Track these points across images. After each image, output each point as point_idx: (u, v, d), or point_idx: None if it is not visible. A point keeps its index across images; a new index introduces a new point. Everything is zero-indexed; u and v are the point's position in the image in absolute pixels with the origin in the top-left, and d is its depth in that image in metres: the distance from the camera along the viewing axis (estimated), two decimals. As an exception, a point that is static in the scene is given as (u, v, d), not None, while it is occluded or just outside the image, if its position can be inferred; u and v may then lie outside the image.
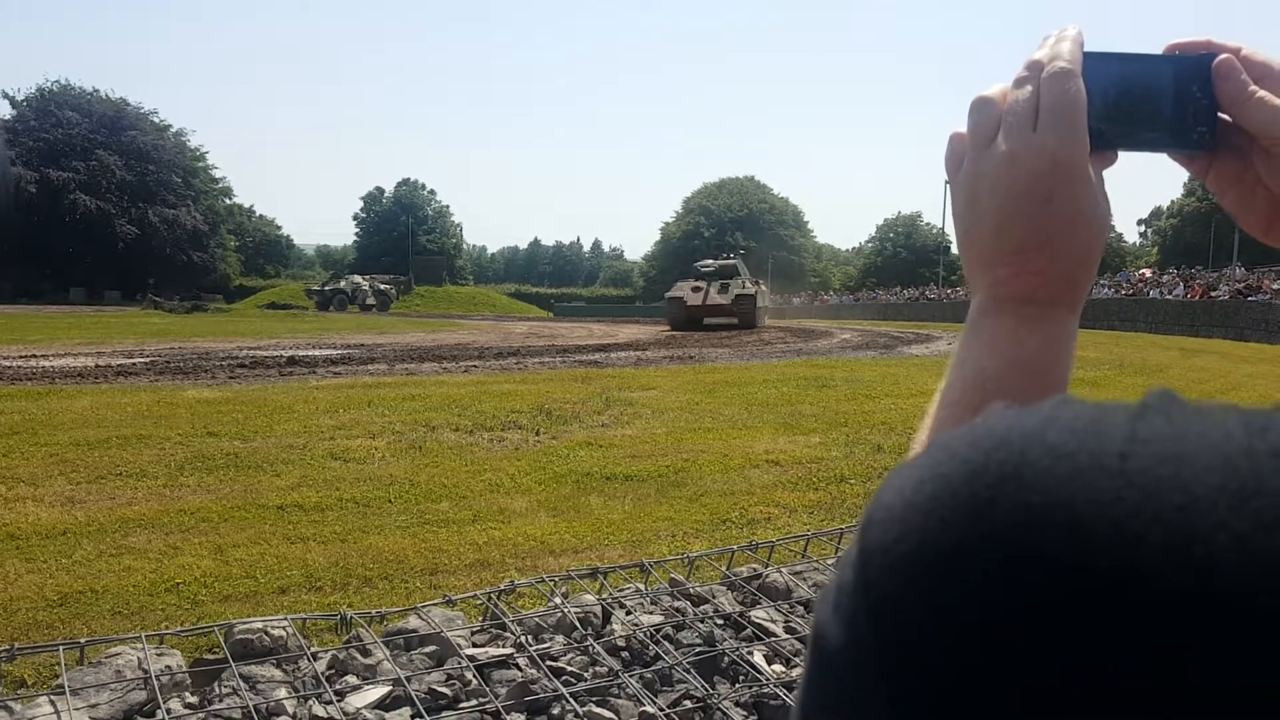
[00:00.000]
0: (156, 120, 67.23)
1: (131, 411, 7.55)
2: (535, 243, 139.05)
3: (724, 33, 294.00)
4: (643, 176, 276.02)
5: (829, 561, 2.33)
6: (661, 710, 1.59)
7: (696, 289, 26.77)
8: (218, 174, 74.93)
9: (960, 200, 0.51)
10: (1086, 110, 0.47)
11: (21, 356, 13.25)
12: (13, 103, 62.35)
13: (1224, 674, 0.21)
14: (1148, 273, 36.09)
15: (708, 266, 28.73)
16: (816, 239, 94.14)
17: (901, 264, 78.11)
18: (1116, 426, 0.25)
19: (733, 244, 65.01)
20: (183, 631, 1.95)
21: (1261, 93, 0.48)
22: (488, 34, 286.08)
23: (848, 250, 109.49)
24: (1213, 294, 29.36)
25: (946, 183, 0.53)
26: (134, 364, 12.15)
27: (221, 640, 1.60)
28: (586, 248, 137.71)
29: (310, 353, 15.09)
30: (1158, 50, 0.53)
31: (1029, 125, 0.47)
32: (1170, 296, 30.47)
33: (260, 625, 1.64)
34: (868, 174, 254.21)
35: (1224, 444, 0.23)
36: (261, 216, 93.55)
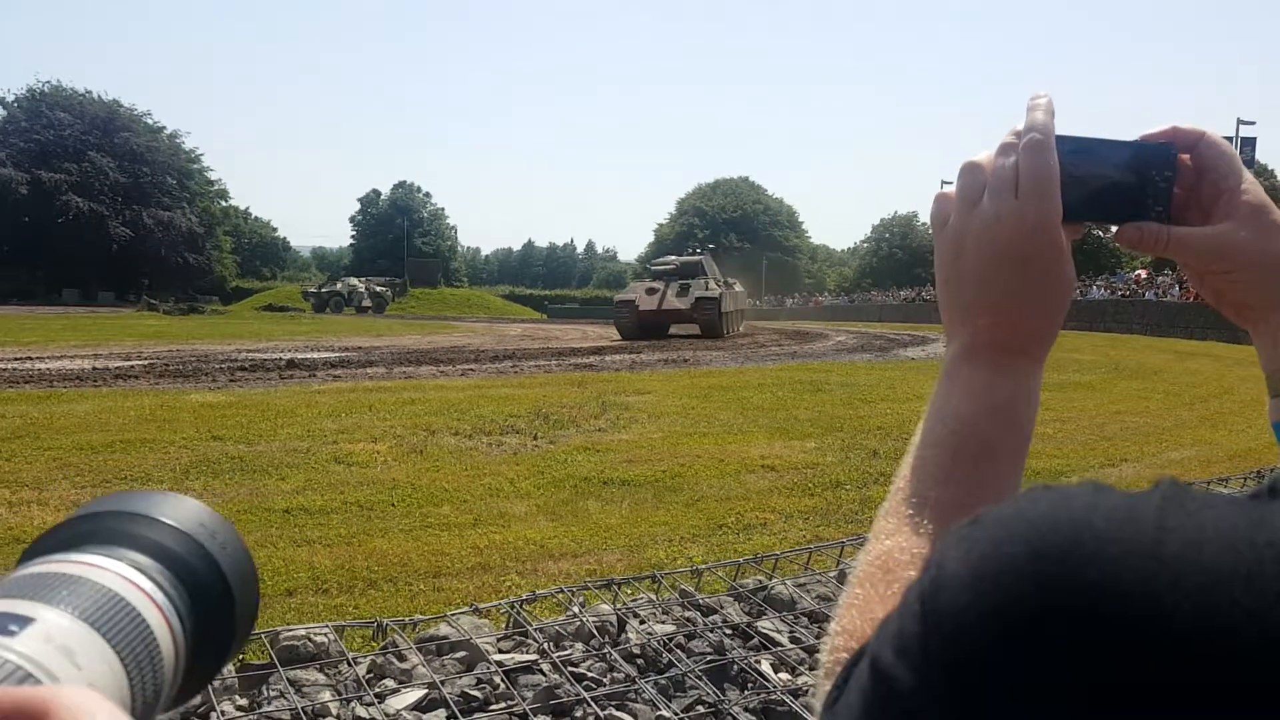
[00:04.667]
0: (150, 122, 66.63)
1: (134, 415, 7.58)
2: (529, 244, 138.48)
3: (717, 32, 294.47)
4: (637, 178, 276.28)
5: (830, 574, 2.42)
6: (676, 715, 1.68)
7: (652, 290, 23.14)
8: (213, 176, 74.48)
9: (945, 253, 0.56)
10: (1059, 182, 0.53)
11: (16, 358, 13.14)
12: (3, 103, 61.62)
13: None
14: (1143, 274, 35.97)
15: (667, 264, 25.09)
16: (811, 240, 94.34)
17: (897, 264, 77.78)
18: (1147, 516, 0.31)
19: (727, 245, 64.67)
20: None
21: (1179, 231, 0.56)
22: (482, 36, 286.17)
23: (843, 251, 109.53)
24: (1206, 297, 29.26)
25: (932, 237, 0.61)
26: (132, 366, 12.10)
27: (268, 646, 1.70)
28: (580, 249, 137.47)
29: (309, 355, 15.10)
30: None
31: (1011, 191, 0.52)
32: (1165, 299, 30.38)
33: (304, 632, 1.75)
34: (863, 174, 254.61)
35: (1230, 534, 0.30)
36: (257, 219, 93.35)
